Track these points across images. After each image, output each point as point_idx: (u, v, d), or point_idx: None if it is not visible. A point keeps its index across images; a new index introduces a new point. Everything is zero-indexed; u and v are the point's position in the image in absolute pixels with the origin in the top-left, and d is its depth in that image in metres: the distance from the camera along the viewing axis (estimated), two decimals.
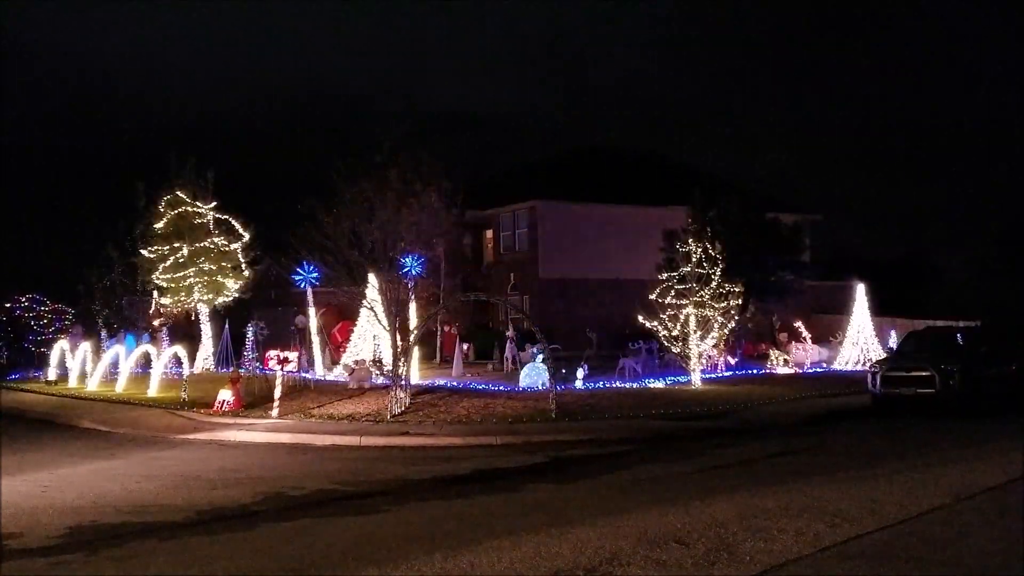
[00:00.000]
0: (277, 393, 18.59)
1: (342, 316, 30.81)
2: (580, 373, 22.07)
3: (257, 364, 25.66)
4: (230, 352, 31.17)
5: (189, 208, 29.53)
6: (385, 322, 21.46)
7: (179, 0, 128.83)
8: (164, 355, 25.00)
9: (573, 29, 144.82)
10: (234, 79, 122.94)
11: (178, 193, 29.55)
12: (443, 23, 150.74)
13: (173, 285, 29.33)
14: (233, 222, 30.22)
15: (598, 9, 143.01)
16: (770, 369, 26.77)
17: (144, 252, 29.53)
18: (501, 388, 21.39)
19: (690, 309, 23.13)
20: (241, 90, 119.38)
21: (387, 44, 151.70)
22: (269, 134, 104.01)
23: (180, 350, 24.80)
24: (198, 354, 30.15)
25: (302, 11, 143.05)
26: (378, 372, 22.26)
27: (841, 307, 31.95)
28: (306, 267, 26.01)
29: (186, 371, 22.67)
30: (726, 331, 24.29)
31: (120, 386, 24.30)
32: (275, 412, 18.11)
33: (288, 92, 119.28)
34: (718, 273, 23.35)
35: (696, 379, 22.63)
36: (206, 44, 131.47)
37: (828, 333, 31.01)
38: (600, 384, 22.13)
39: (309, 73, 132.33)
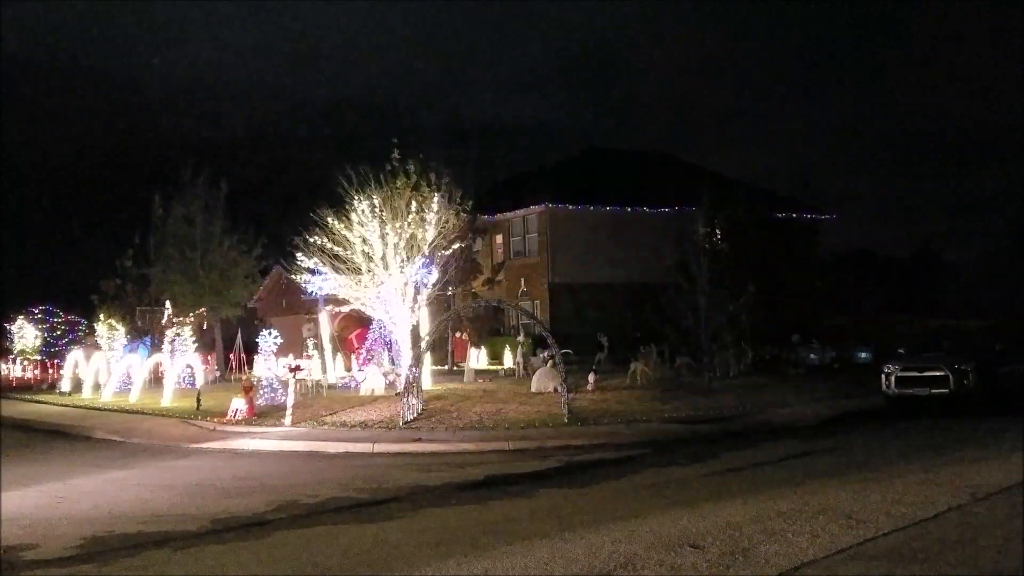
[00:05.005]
0: (290, 401, 18.62)
1: (360, 323, 30.92)
2: (591, 378, 22.02)
3: (269, 372, 25.72)
4: (243, 361, 31.27)
5: (201, 219, 29.74)
6: (397, 329, 21.52)
7: (220, 12, 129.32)
8: (177, 364, 25.12)
9: (599, 34, 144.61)
10: (274, 90, 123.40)
11: (190, 206, 29.80)
12: (477, 36, 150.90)
13: (184, 296, 29.52)
14: (245, 233, 30.43)
15: (620, 10, 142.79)
16: (783, 370, 26.64)
17: (156, 263, 29.76)
18: (513, 393, 21.37)
19: (702, 312, 23.05)
20: (279, 102, 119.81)
21: (425, 57, 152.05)
22: (299, 145, 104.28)
23: (193, 359, 24.91)
24: (211, 363, 30.31)
25: (342, 23, 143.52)
26: (391, 379, 22.30)
27: (854, 306, 31.82)
28: (318, 274, 26.07)
29: (199, 380, 22.74)
30: (738, 333, 24.21)
31: (134, 396, 24.43)
32: (288, 420, 18.15)
33: (323, 103, 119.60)
34: (729, 275, 23.27)
35: (708, 381, 22.52)
36: (246, 56, 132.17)
37: (841, 333, 30.84)
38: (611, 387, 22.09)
39: (348, 85, 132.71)
